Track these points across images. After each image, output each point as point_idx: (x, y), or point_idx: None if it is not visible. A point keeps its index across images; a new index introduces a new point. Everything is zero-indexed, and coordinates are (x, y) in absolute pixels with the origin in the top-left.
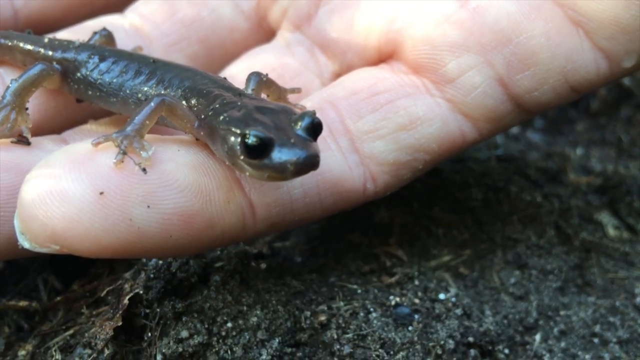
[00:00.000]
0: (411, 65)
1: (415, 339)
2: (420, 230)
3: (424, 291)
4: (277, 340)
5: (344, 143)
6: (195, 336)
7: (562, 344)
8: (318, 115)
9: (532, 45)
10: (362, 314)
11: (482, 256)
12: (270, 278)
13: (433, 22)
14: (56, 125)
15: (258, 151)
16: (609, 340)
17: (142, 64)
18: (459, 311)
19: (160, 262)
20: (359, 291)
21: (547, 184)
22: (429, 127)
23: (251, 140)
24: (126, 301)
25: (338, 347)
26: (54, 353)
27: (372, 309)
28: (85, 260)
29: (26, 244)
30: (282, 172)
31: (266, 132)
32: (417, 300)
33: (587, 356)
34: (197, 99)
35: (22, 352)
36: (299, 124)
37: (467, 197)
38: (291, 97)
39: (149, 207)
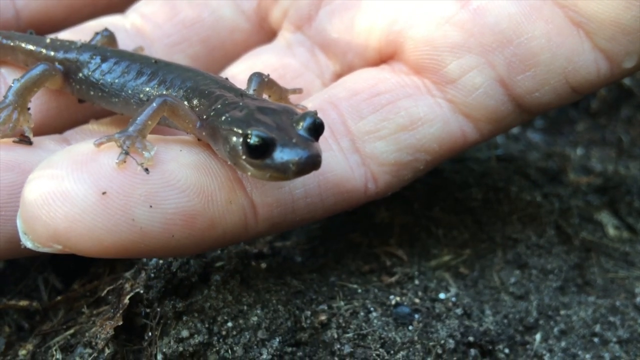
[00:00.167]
0: (412, 65)
1: (416, 338)
2: (420, 230)
3: (424, 291)
4: (277, 339)
5: (345, 143)
6: (196, 336)
7: (562, 344)
8: (319, 115)
9: (533, 46)
10: (362, 314)
11: (482, 256)
12: (270, 278)
13: (434, 23)
14: (58, 125)
15: (260, 151)
16: (609, 340)
17: (143, 64)
18: (459, 311)
19: (161, 261)
20: (359, 291)
21: (547, 184)
22: (430, 127)
23: (253, 140)
24: (127, 301)
25: (338, 346)
26: (54, 352)
27: (372, 309)
28: (86, 259)
29: (29, 244)
30: (284, 172)
31: (268, 132)
32: (417, 300)
33: (587, 356)
34: (198, 100)
35: (22, 352)
36: (301, 124)
37: (467, 197)
38: (292, 98)
39: (151, 207)
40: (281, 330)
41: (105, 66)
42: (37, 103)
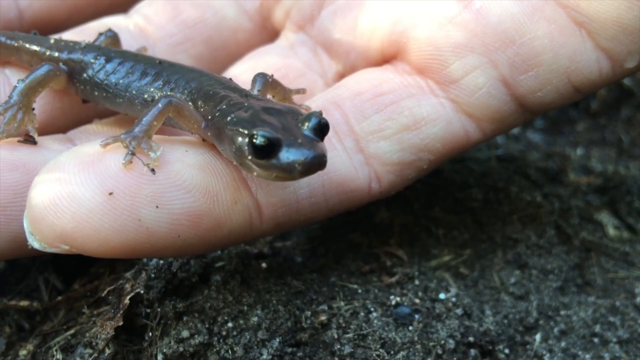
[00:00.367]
0: (415, 66)
1: (416, 338)
2: (420, 230)
3: (425, 291)
4: (277, 340)
5: (349, 143)
6: (196, 336)
7: (563, 344)
8: (323, 115)
9: (535, 46)
10: (362, 314)
11: (482, 256)
12: (270, 278)
13: (437, 23)
14: (62, 125)
15: (266, 151)
16: (609, 340)
17: (148, 65)
18: (459, 311)
19: (161, 261)
20: (360, 291)
21: (548, 184)
22: (433, 127)
23: (259, 140)
24: (127, 301)
25: (338, 346)
26: (54, 353)
27: (372, 309)
28: (86, 259)
29: (36, 244)
30: (290, 172)
31: (274, 132)
32: (417, 300)
33: (587, 356)
34: (203, 100)
35: (23, 352)
36: (306, 124)
37: (467, 197)
38: (296, 98)
39: (157, 207)
40: (281, 331)
41: (109, 67)
42: (42, 103)
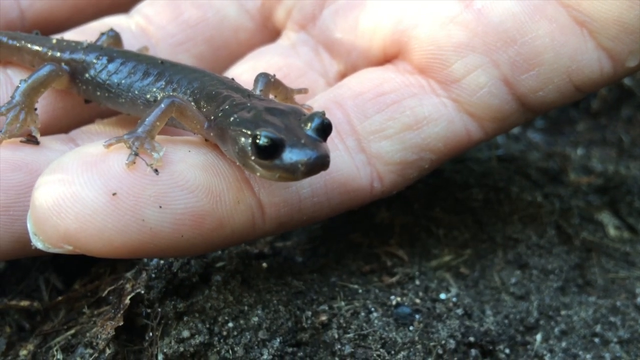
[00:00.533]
0: (417, 65)
1: (416, 338)
2: (420, 230)
3: (425, 291)
4: (278, 340)
5: (351, 143)
6: (197, 336)
7: (563, 344)
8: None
9: (536, 45)
10: (363, 314)
11: (482, 256)
12: (271, 278)
13: (438, 22)
14: (64, 125)
15: (269, 152)
16: (610, 340)
17: (150, 65)
18: (459, 311)
19: (162, 262)
20: (360, 291)
21: (548, 184)
22: (435, 126)
23: (262, 141)
24: (127, 301)
25: (339, 346)
26: (55, 353)
27: (373, 309)
28: (87, 259)
29: (39, 245)
30: (293, 173)
31: (277, 133)
32: (418, 300)
33: (588, 356)
34: (206, 100)
35: (23, 352)
36: (309, 124)
37: (467, 197)
38: (297, 98)
39: (161, 207)
40: (282, 331)
41: (111, 67)
42: (44, 103)
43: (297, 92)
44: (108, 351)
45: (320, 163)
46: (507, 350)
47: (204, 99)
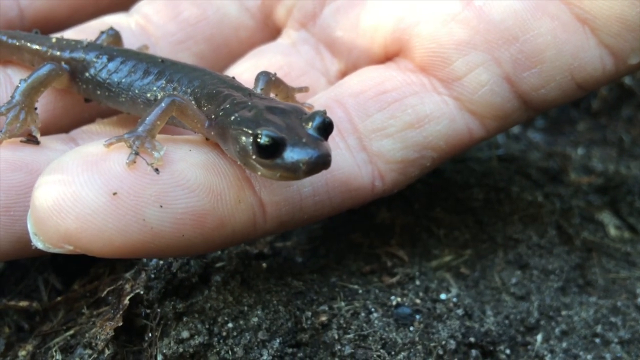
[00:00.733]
0: (418, 63)
1: (417, 339)
2: (421, 230)
3: (425, 291)
4: (278, 340)
5: (352, 142)
6: (196, 336)
7: (564, 344)
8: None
9: (538, 43)
10: (363, 314)
11: (483, 256)
12: (271, 278)
13: (439, 20)
14: (64, 124)
15: (270, 151)
16: (611, 341)
17: (150, 63)
18: (460, 311)
19: (161, 262)
20: (360, 291)
21: (548, 184)
22: (437, 125)
23: (263, 140)
24: (127, 301)
25: (339, 347)
26: (54, 353)
27: (373, 309)
28: (86, 260)
29: (40, 245)
30: (295, 172)
31: (278, 132)
32: (418, 301)
33: (589, 356)
34: (207, 99)
35: (22, 353)
36: (310, 123)
37: (468, 197)
38: (298, 96)
39: (161, 207)
40: (282, 331)
41: (111, 65)
42: (44, 102)
43: (298, 91)
44: (107, 352)
45: (322, 162)
46: (508, 351)
47: (204, 98)
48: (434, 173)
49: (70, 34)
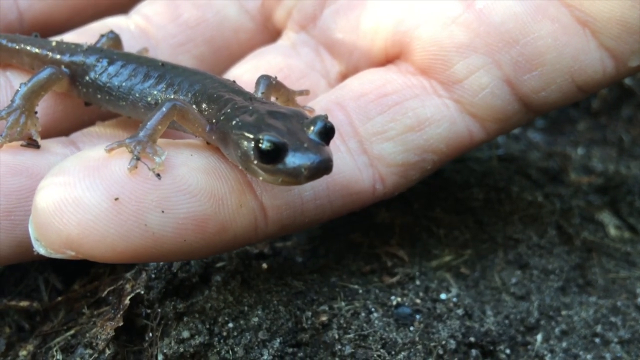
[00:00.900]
0: (418, 66)
1: (417, 339)
2: (421, 230)
3: (425, 291)
4: (278, 340)
5: (353, 145)
6: (197, 336)
7: (564, 344)
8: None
9: (539, 45)
10: (363, 314)
11: (483, 256)
12: (271, 278)
13: (440, 23)
14: (64, 128)
15: (272, 156)
16: (611, 340)
17: (150, 67)
18: (460, 311)
19: (161, 262)
20: (360, 291)
21: (548, 184)
22: (437, 128)
23: (265, 145)
24: (127, 301)
25: (339, 347)
26: (55, 353)
27: (373, 309)
28: (86, 260)
29: (41, 250)
30: (296, 177)
31: (280, 137)
32: (418, 301)
33: (589, 356)
34: (207, 103)
35: (23, 353)
36: (312, 128)
37: (468, 197)
38: (299, 99)
39: (163, 212)
40: (282, 331)
41: (112, 69)
42: (44, 106)
43: (299, 94)
44: (108, 352)
45: (324, 167)
46: (508, 351)
47: (205, 102)
48: (434, 173)
49: (70, 36)
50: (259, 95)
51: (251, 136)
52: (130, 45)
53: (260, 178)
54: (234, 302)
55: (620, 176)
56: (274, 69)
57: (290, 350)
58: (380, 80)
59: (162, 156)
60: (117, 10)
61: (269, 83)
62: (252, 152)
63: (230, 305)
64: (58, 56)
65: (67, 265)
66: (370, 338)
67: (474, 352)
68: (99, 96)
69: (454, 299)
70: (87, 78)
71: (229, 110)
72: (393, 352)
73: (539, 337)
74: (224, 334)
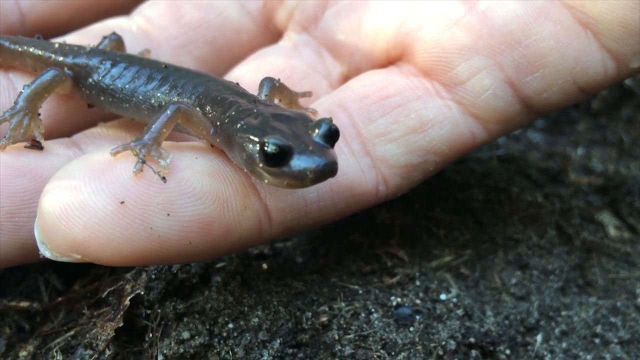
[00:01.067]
0: (421, 67)
1: (417, 339)
2: (421, 230)
3: (425, 292)
4: (278, 341)
5: (356, 147)
6: (197, 337)
7: (564, 345)
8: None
9: (541, 47)
10: (363, 315)
11: (483, 256)
12: (271, 279)
13: (442, 24)
14: (67, 129)
15: (277, 159)
16: (610, 341)
17: (154, 69)
18: (460, 312)
19: None
20: (360, 292)
21: (548, 184)
22: (440, 129)
23: (270, 148)
24: (127, 302)
25: (339, 347)
26: (55, 354)
27: (373, 310)
28: None
29: (47, 254)
30: (301, 180)
31: (285, 140)
32: (418, 301)
33: (589, 357)
34: (211, 106)
35: (23, 353)
36: (316, 130)
37: (468, 198)
38: (301, 101)
39: (168, 215)
40: (282, 332)
41: (115, 71)
42: (47, 107)
43: (302, 96)
44: (108, 352)
45: (329, 170)
46: (508, 351)
47: (209, 105)
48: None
49: (72, 37)
50: (263, 97)
51: (256, 139)
52: (132, 47)
53: (266, 181)
54: (234, 302)
55: (620, 176)
56: (276, 70)
57: (290, 350)
58: (383, 82)
59: (167, 159)
60: (119, 11)
61: (273, 85)
62: (257, 155)
63: (230, 306)
64: (61, 58)
65: (67, 266)
66: (370, 338)
67: (474, 352)
68: (102, 98)
69: (454, 300)
70: (90, 80)
71: (233, 113)
72: (393, 353)
73: (539, 337)
74: (224, 334)
